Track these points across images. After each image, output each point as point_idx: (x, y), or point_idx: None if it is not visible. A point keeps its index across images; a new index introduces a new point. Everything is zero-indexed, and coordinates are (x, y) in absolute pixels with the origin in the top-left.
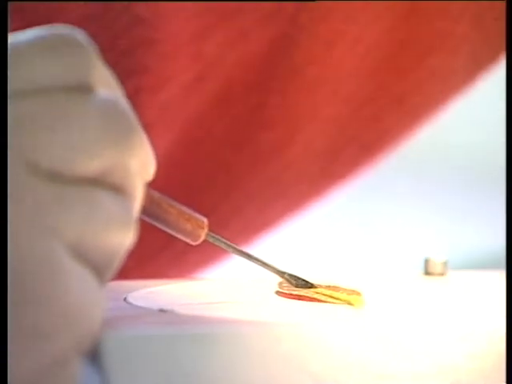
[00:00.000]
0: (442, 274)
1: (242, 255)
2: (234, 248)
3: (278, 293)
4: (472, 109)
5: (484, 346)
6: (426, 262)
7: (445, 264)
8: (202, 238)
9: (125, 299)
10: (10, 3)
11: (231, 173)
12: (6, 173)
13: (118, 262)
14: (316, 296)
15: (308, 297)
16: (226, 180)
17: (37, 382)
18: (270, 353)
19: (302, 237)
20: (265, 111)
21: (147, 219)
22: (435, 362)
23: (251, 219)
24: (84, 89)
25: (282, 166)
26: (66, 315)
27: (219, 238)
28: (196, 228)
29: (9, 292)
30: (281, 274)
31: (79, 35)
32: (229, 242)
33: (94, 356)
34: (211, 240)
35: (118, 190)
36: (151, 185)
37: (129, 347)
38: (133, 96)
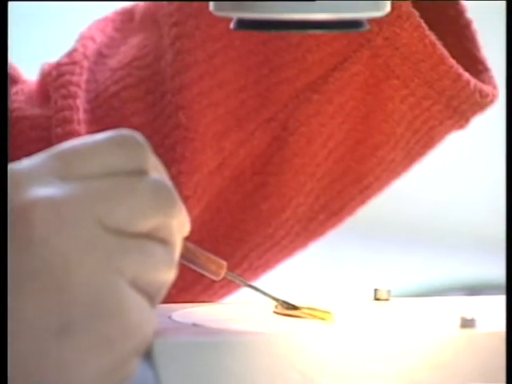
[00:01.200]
0: (386, 300)
1: (249, 287)
2: (244, 282)
3: (275, 312)
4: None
5: (417, 350)
6: (375, 290)
7: (389, 292)
8: (222, 275)
9: (169, 317)
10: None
11: (241, 230)
12: (6, 173)
13: (164, 292)
14: (301, 314)
15: (295, 315)
16: (237, 235)
17: (110, 375)
18: (272, 354)
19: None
20: (266, 187)
21: (184, 262)
22: (391, 364)
23: (254, 263)
24: (141, 172)
25: (276, 226)
26: (129, 329)
27: (234, 275)
28: (218, 268)
29: (88, 314)
30: (276, 299)
31: (138, 136)
32: (240, 278)
33: (148, 356)
34: (228, 277)
35: (164, 242)
36: (187, 238)
37: (172, 350)
38: (174, 177)
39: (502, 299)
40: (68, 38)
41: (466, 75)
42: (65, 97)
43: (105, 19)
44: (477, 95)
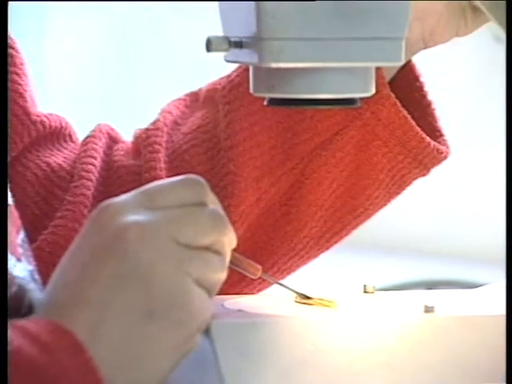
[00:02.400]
0: (372, 293)
1: (278, 284)
2: (274, 280)
3: (295, 301)
4: None
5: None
6: (364, 286)
7: (374, 287)
8: (259, 275)
9: (222, 305)
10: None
11: (272, 244)
12: (6, 171)
13: (218, 287)
14: (313, 303)
15: (309, 303)
16: (269, 248)
17: (180, 347)
18: (294, 331)
19: None
20: (289, 215)
21: (232, 266)
22: (377, 337)
23: (280, 267)
24: (203, 204)
25: (296, 242)
26: (194, 313)
27: (267, 275)
28: (255, 271)
29: (166, 303)
30: (296, 292)
31: (200, 179)
32: (271, 277)
33: (207, 333)
34: (263, 276)
35: (218, 252)
36: (234, 250)
37: (224, 328)
38: (226, 208)
39: (452, 292)
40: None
41: (428, 139)
42: (151, 152)
43: (178, 99)
44: (435, 152)
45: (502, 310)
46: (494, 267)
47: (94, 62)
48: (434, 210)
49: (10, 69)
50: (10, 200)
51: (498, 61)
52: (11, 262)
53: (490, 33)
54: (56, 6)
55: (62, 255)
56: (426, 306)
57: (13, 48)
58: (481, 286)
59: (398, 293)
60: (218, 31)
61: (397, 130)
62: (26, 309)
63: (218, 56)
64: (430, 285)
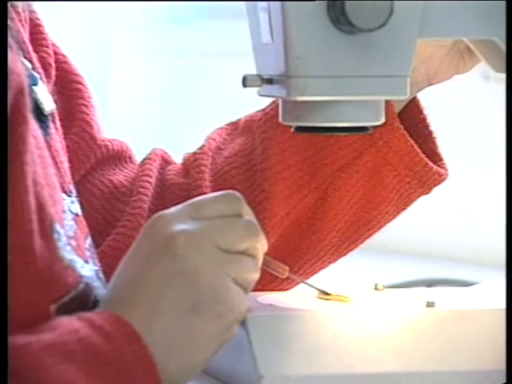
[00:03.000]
0: (382, 290)
1: (303, 283)
2: (300, 280)
3: (317, 297)
4: None
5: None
6: (375, 284)
7: (383, 285)
8: (286, 275)
9: (255, 300)
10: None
11: (298, 251)
12: (6, 172)
13: (252, 285)
14: (332, 298)
15: (329, 299)
16: (297, 254)
17: (220, 336)
18: (316, 322)
19: None
20: (314, 226)
21: (264, 268)
22: (385, 326)
23: (306, 270)
24: (240, 215)
25: (319, 249)
26: (232, 307)
27: (294, 276)
28: (284, 271)
29: (208, 298)
30: (318, 289)
31: (238, 194)
32: (298, 277)
33: (243, 323)
34: (291, 276)
35: (252, 256)
36: (266, 254)
37: (258, 320)
38: (260, 220)
39: (449, 289)
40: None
41: (431, 164)
42: (198, 172)
43: (221, 128)
44: (436, 175)
45: (493, 304)
46: (486, 268)
47: (151, 96)
48: (431, 219)
49: (80, 101)
50: (79, 211)
51: (487, 96)
52: (80, 263)
53: (479, 72)
54: (119, 49)
55: (121, 258)
56: (427, 302)
57: (81, 84)
58: (474, 284)
59: (403, 290)
60: (253, 70)
61: (405, 157)
62: (91, 303)
63: (253, 91)
64: (430, 283)
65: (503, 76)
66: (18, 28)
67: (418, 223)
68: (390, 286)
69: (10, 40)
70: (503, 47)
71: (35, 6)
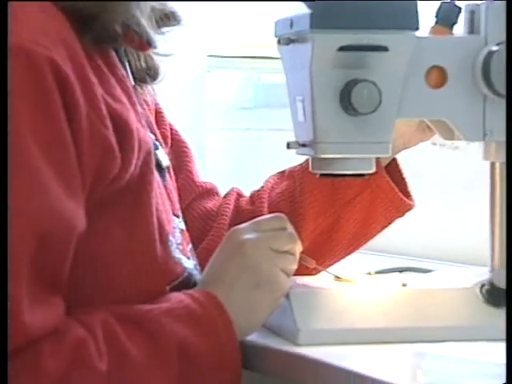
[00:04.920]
0: (373, 275)
1: (325, 271)
2: (323, 268)
3: (334, 280)
4: None
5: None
6: (369, 272)
7: (374, 272)
8: (314, 266)
9: (295, 282)
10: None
11: (323, 250)
12: (7, 171)
13: (293, 272)
14: (343, 280)
15: (341, 280)
16: (321, 252)
17: (272, 306)
18: (334, 296)
19: None
20: (332, 236)
21: (300, 261)
22: (377, 299)
23: (326, 262)
24: (285, 228)
25: (337, 249)
26: (280, 286)
27: (318, 266)
28: (312, 263)
29: (266, 279)
30: (333, 274)
31: (283, 215)
32: (321, 267)
33: (287, 297)
34: (317, 267)
35: (292, 254)
36: (302, 252)
37: (298, 295)
38: (298, 233)
39: (416, 275)
40: None
41: (405, 199)
42: (259, 202)
43: (274, 175)
44: (408, 206)
45: (446, 285)
46: (439, 260)
47: (231, 155)
48: (398, 225)
49: (185, 159)
50: (184, 227)
51: (435, 158)
52: (184, 259)
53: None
54: (210, 126)
55: (211, 256)
56: (402, 283)
57: (186, 147)
58: (432, 271)
59: (385, 275)
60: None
61: (389, 195)
62: (192, 284)
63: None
64: (401, 270)
65: (449, 142)
66: (147, 114)
67: (388, 230)
68: (376, 272)
69: (142, 120)
70: (450, 124)
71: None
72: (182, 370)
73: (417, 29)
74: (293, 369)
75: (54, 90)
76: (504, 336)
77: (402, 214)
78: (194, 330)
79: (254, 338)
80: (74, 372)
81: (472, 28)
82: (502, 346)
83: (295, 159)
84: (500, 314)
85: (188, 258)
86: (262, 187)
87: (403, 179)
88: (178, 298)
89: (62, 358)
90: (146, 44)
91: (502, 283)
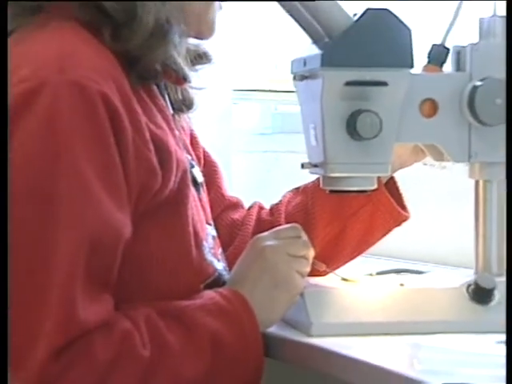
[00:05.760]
0: (374, 275)
1: (333, 272)
2: (331, 270)
3: (340, 280)
4: None
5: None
6: (370, 273)
7: (375, 273)
8: (324, 269)
9: (308, 281)
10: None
11: (331, 254)
12: (7, 174)
13: (306, 274)
14: (348, 280)
15: (347, 281)
16: (330, 256)
17: (289, 303)
18: (341, 294)
19: None
20: (338, 242)
21: (312, 265)
22: (378, 297)
23: (334, 265)
24: (299, 237)
25: (344, 254)
26: (296, 286)
27: (327, 268)
28: (322, 266)
29: (284, 262)
30: (340, 276)
31: (298, 225)
32: (330, 269)
33: (301, 295)
34: (326, 269)
35: (306, 258)
36: (314, 257)
37: (311, 293)
38: (310, 240)
39: (411, 275)
40: None
41: (402, 212)
42: (278, 214)
43: (290, 190)
44: (404, 217)
45: (438, 285)
46: (431, 263)
47: (257, 181)
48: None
49: (215, 176)
50: (215, 234)
51: (427, 176)
52: (215, 262)
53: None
54: (237, 148)
55: (237, 259)
56: (400, 283)
57: (216, 167)
58: (425, 273)
59: (385, 276)
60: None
61: (388, 208)
62: (221, 283)
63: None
64: (398, 272)
65: (437, 163)
66: (184, 138)
67: (387, 237)
68: (377, 273)
69: (179, 144)
70: (440, 148)
71: None
72: (214, 356)
73: (412, 67)
74: (306, 356)
75: (104, 118)
76: (488, 329)
77: (399, 224)
78: (223, 323)
79: (273, 330)
80: (122, 359)
81: (459, 66)
82: (485, 338)
83: (308, 177)
84: (483, 310)
85: (218, 261)
86: (280, 201)
87: (400, 194)
88: (210, 295)
89: (111, 347)
90: (182, 79)
91: (484, 284)
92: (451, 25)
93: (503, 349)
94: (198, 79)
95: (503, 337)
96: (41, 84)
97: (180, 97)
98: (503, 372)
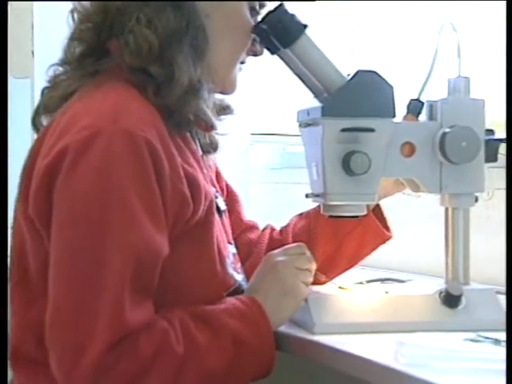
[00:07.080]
0: (364, 284)
1: (331, 282)
2: (329, 280)
3: (338, 288)
4: None
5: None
6: (361, 282)
7: (365, 282)
8: (324, 279)
9: (311, 289)
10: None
11: (331, 266)
12: (7, 173)
13: (310, 283)
14: (344, 288)
15: (342, 288)
16: (328, 269)
17: (295, 307)
18: (339, 299)
19: None
20: (342, 251)
21: (314, 276)
22: (376, 304)
23: (333, 276)
24: (304, 253)
25: (341, 266)
26: (301, 293)
27: (326, 278)
28: (322, 277)
29: (291, 288)
30: (337, 284)
31: (303, 244)
32: (328, 279)
33: (306, 301)
34: (326, 280)
35: (310, 271)
36: (316, 270)
37: (315, 299)
38: (312, 255)
39: (395, 284)
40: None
41: (386, 232)
42: (286, 234)
43: (296, 215)
44: (388, 237)
45: (419, 292)
46: (412, 273)
47: (266, 200)
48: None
49: (236, 204)
50: (235, 251)
51: (406, 203)
52: (235, 274)
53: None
54: (253, 180)
55: (253, 273)
56: (385, 291)
57: (236, 196)
58: (406, 281)
59: (372, 284)
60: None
61: (375, 229)
62: (240, 292)
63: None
64: (382, 280)
65: (414, 193)
66: (210, 174)
67: (375, 252)
68: (367, 281)
69: (207, 179)
70: (417, 181)
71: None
72: (235, 351)
73: (394, 116)
74: (310, 351)
75: (148, 159)
76: (456, 328)
77: (385, 242)
78: (242, 323)
79: (283, 329)
80: (160, 354)
81: (431, 116)
82: (455, 336)
83: (310, 205)
84: (453, 313)
85: (238, 273)
86: (288, 224)
87: (384, 218)
88: (231, 301)
89: (153, 344)
90: (210, 127)
91: (453, 291)
92: (425, 84)
93: (470, 345)
94: (223, 126)
95: (469, 335)
96: (98, 132)
97: (208, 141)
98: (469, 365)
